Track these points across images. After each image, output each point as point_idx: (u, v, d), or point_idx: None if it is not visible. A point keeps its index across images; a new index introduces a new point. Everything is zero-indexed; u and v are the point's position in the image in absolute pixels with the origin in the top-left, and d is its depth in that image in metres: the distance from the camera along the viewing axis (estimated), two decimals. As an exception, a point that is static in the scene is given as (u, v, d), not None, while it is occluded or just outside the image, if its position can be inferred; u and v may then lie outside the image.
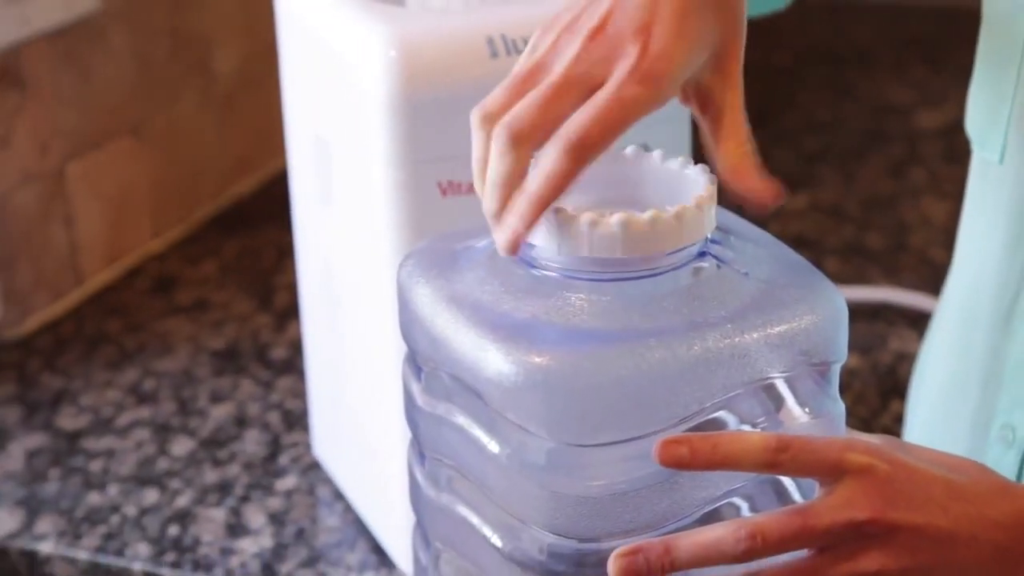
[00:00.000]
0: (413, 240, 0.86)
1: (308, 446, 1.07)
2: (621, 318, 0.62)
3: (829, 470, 0.58)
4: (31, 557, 0.99)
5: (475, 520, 0.65)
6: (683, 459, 0.57)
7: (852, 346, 1.21)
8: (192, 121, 1.40)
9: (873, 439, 0.60)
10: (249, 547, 0.97)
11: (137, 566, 0.97)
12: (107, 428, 1.10)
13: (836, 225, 1.39)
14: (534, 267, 0.64)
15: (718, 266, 0.64)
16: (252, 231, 1.40)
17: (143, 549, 0.98)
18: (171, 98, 1.37)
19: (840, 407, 0.64)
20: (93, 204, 1.29)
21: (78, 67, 1.25)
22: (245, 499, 1.02)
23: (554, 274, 0.64)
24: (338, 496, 1.02)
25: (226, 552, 0.97)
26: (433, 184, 0.85)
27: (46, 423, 1.11)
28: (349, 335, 0.95)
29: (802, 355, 0.63)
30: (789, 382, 0.63)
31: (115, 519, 1.00)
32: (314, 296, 1.00)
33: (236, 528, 0.99)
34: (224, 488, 1.03)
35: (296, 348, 1.18)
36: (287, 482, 1.04)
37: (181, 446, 1.08)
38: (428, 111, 0.84)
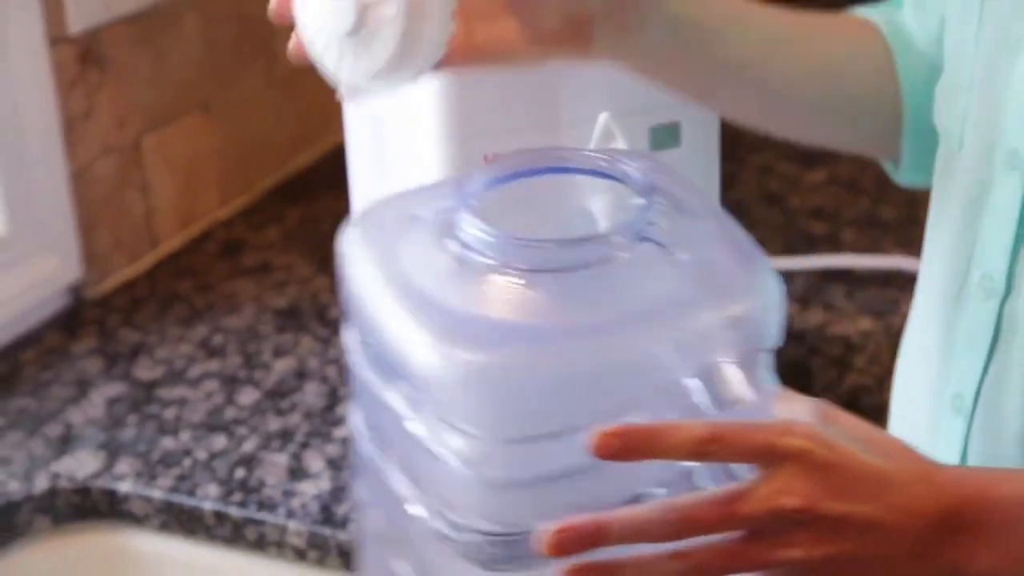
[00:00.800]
0: (461, 209, 0.86)
1: (363, 397, 1.08)
2: (557, 310, 0.57)
3: (763, 456, 0.54)
4: (111, 495, 1.00)
5: (405, 493, 0.60)
6: (616, 451, 0.53)
7: (867, 310, 1.20)
8: (257, 98, 1.40)
9: (806, 408, 0.57)
10: (309, 489, 0.98)
11: (207, 505, 0.97)
12: (180, 379, 1.11)
13: (853, 198, 1.37)
14: (475, 253, 0.58)
15: (657, 251, 0.59)
16: (312, 200, 1.40)
17: (212, 490, 0.98)
18: (237, 77, 1.37)
19: (774, 390, 0.59)
20: (166, 174, 1.30)
21: (153, 48, 1.25)
22: (305, 445, 1.03)
23: (494, 262, 0.58)
24: (390, 443, 1.03)
25: (288, 494, 0.98)
26: (479, 157, 0.85)
27: (124, 374, 1.12)
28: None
29: (737, 340, 0.57)
30: (723, 366, 0.58)
31: (187, 462, 1.01)
32: (369, 260, 1.00)
33: (297, 472, 1.00)
34: (286, 435, 1.04)
35: (352, 308, 1.18)
36: (344, 430, 1.04)
37: (247, 396, 1.09)
38: (475, 88, 0.83)
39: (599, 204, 0.64)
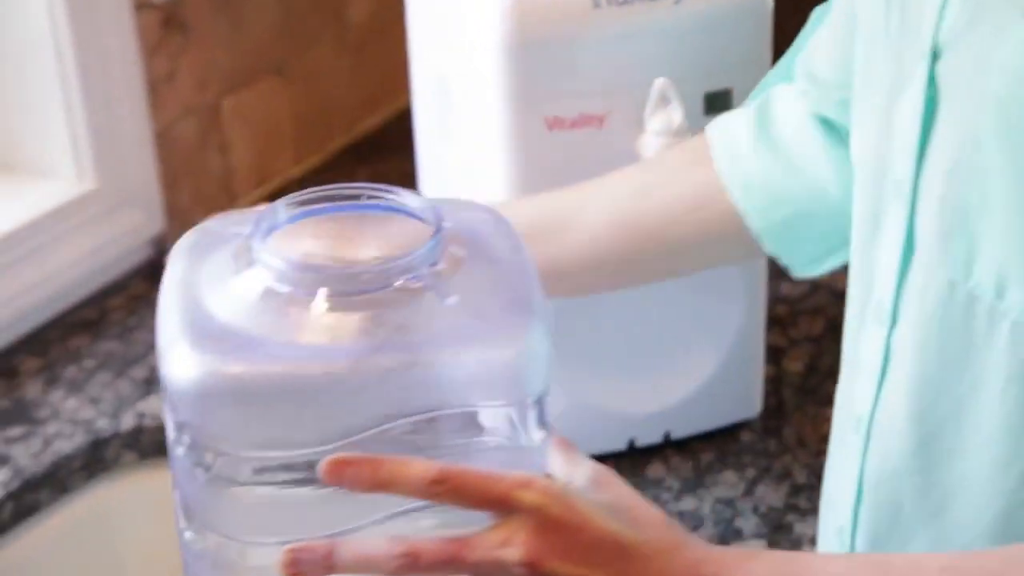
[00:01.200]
0: (522, 169, 0.88)
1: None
2: (310, 334, 0.56)
3: (495, 505, 0.53)
4: None
5: (180, 519, 0.60)
6: (344, 479, 0.53)
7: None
8: (329, 63, 1.42)
9: (584, 468, 0.56)
10: None
11: None
12: None
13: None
14: (255, 271, 0.58)
15: (427, 292, 0.57)
16: (380, 160, 1.42)
17: None
18: (311, 42, 1.39)
19: (536, 441, 0.58)
20: (244, 134, 1.32)
21: (232, 15, 1.28)
22: None
23: (269, 279, 0.57)
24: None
25: None
26: (540, 119, 0.87)
27: None
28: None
29: (493, 389, 0.56)
30: (477, 411, 0.57)
31: None
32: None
33: None
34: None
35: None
36: None
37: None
38: (537, 53, 0.85)
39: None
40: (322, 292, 0.56)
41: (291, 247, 0.59)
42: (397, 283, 0.57)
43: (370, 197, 0.61)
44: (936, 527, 0.64)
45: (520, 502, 0.53)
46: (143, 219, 1.22)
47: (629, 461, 0.99)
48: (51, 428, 1.02)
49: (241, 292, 0.57)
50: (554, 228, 0.80)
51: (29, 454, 0.99)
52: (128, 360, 1.10)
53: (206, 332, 0.55)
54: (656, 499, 0.95)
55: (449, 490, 0.53)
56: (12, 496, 0.96)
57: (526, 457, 0.57)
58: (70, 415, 1.03)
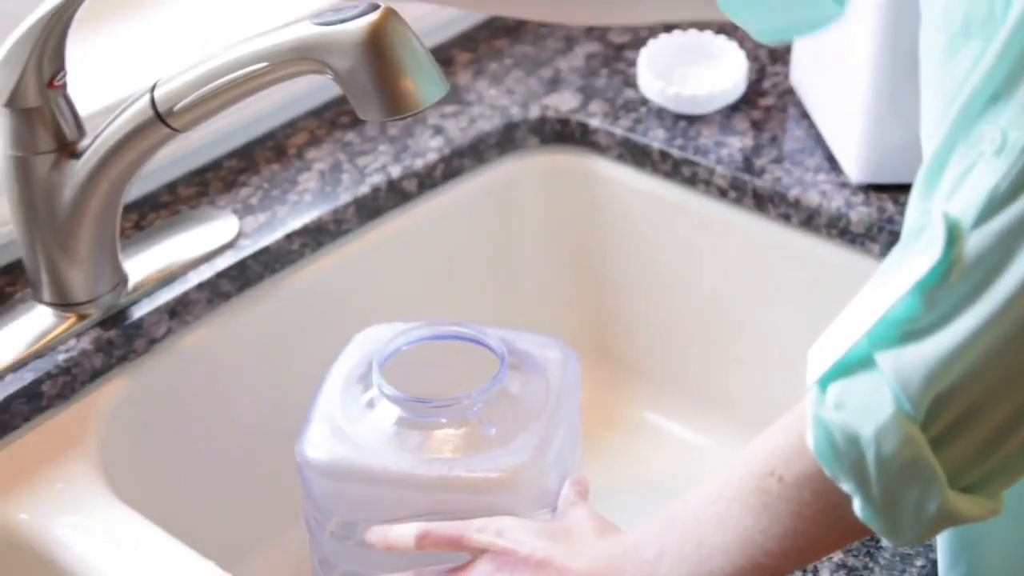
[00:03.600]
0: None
1: (787, 75, 1.15)
2: (387, 439, 0.75)
3: (463, 547, 0.72)
4: (584, 127, 1.12)
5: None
6: (371, 543, 0.74)
7: None
8: None
9: (580, 511, 0.73)
10: (735, 143, 1.07)
11: (655, 144, 1.09)
12: (642, 43, 1.17)
13: None
14: (369, 386, 0.79)
15: (474, 423, 0.76)
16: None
17: (660, 134, 1.09)
18: None
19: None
20: None
21: None
22: (735, 109, 1.12)
23: (375, 396, 0.78)
24: (805, 116, 1.09)
25: (719, 144, 1.08)
26: None
27: (601, 36, 1.22)
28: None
29: (508, 502, 0.74)
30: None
31: (643, 109, 1.12)
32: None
33: (726, 128, 1.09)
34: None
35: None
36: (767, 100, 1.13)
37: (693, 65, 1.17)
38: None
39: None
40: (400, 413, 0.77)
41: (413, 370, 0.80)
42: (453, 414, 0.76)
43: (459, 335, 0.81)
44: None
45: (478, 542, 0.72)
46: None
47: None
48: (476, 110, 1.13)
49: (358, 400, 0.78)
50: None
51: (458, 128, 1.11)
52: (538, 62, 1.19)
53: (327, 425, 0.77)
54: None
55: (431, 542, 0.73)
56: (444, 160, 1.09)
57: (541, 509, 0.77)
58: (491, 101, 1.14)
